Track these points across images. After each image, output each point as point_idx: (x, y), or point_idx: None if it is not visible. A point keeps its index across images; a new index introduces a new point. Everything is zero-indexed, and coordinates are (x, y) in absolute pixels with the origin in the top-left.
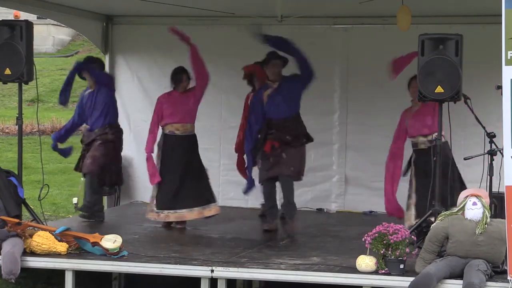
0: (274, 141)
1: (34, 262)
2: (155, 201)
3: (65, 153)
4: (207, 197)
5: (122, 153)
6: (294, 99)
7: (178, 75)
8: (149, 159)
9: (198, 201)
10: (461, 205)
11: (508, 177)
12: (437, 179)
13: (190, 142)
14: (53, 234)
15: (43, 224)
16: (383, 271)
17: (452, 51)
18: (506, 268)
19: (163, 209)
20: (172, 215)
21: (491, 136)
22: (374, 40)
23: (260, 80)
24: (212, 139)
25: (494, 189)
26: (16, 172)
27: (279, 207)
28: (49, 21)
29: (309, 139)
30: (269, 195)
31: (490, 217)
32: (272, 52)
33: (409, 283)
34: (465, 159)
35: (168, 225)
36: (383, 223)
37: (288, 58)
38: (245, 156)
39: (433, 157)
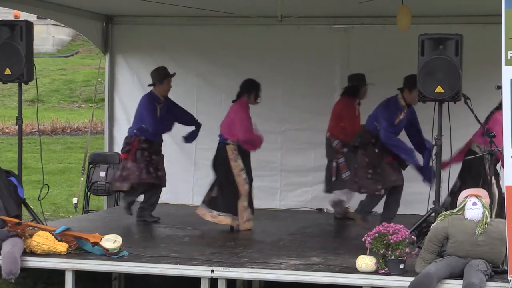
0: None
1: (34, 262)
2: (249, 209)
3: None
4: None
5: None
6: None
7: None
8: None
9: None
10: (461, 205)
11: (508, 177)
12: (439, 179)
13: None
14: (53, 234)
15: (43, 224)
16: (383, 271)
17: (452, 51)
18: (506, 268)
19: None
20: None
21: (491, 136)
22: (374, 40)
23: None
24: (212, 139)
25: None
26: (16, 172)
27: None
28: (49, 21)
29: None
30: None
31: (490, 217)
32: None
33: (409, 283)
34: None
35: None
36: (383, 223)
37: None
38: None
39: (432, 158)
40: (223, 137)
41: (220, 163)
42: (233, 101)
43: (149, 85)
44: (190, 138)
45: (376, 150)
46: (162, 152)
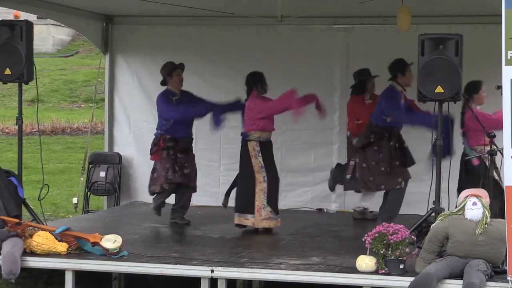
0: None
1: (34, 262)
2: (269, 208)
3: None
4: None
5: (122, 153)
6: None
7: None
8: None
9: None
10: (461, 205)
11: (508, 177)
12: (439, 179)
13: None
14: (53, 234)
15: (43, 224)
16: (383, 271)
17: (452, 51)
18: (506, 268)
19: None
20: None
21: (491, 136)
22: (374, 40)
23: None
24: (212, 139)
25: None
26: (16, 172)
27: None
28: (49, 21)
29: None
30: None
31: (490, 217)
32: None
33: (409, 283)
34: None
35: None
36: (383, 223)
37: None
38: None
39: (432, 157)
40: (245, 134)
41: (243, 160)
42: (246, 100)
43: (161, 84)
44: (215, 123)
45: (391, 143)
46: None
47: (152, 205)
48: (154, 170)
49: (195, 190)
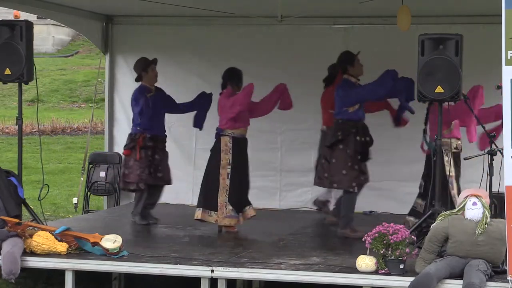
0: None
1: (34, 262)
2: (230, 206)
3: None
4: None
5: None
6: None
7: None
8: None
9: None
10: (461, 205)
11: (508, 177)
12: (437, 179)
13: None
14: (53, 234)
15: (43, 224)
16: (383, 271)
17: (452, 51)
18: (506, 268)
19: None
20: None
21: (491, 136)
22: (374, 40)
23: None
24: (212, 139)
25: (494, 189)
26: (16, 172)
27: None
28: (49, 21)
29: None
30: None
31: (490, 217)
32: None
33: (409, 283)
34: (465, 159)
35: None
36: (383, 223)
37: None
38: None
39: (432, 157)
40: (220, 129)
41: (212, 153)
42: (220, 94)
43: (136, 80)
44: (197, 122)
45: (358, 138)
46: (166, 149)
47: (136, 218)
48: (127, 166)
49: (169, 184)
